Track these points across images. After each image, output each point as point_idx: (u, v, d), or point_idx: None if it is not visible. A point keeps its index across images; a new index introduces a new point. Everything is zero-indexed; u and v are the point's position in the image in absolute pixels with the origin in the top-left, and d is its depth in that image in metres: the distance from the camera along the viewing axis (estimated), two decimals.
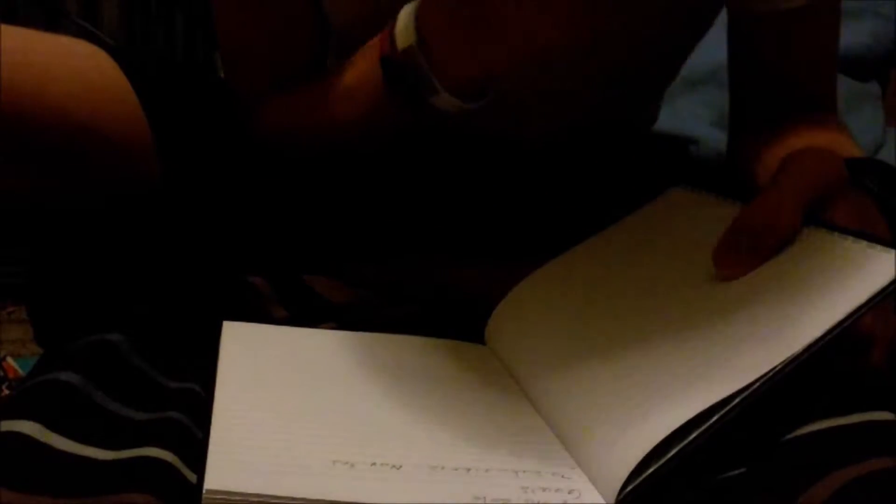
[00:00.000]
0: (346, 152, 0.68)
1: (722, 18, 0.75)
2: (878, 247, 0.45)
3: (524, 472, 0.43)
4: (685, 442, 0.41)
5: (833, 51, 0.72)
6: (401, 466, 0.42)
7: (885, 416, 0.45)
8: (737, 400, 0.41)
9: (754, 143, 0.72)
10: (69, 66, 0.61)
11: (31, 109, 0.58)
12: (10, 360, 1.27)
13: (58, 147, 0.60)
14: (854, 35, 1.17)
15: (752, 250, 0.49)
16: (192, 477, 0.43)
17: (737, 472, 0.44)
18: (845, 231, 0.47)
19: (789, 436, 0.44)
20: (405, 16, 0.56)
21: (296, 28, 0.69)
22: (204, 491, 0.39)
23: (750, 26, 0.71)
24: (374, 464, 0.42)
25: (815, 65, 0.72)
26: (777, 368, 0.42)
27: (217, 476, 0.39)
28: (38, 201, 0.62)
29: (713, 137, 1.04)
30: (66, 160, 0.60)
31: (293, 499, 0.39)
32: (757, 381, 0.41)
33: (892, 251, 0.44)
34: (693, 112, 1.09)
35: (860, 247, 0.45)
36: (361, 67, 0.62)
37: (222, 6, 0.70)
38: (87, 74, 0.62)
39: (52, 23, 1.65)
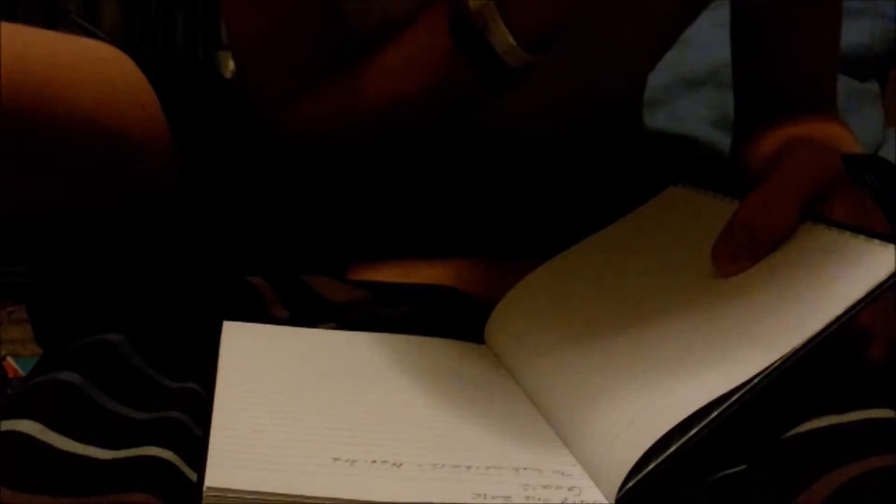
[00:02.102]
0: (396, 134, 0.68)
1: (723, 18, 0.75)
2: (877, 241, 0.44)
3: (525, 469, 0.43)
4: (684, 439, 0.41)
5: (834, 45, 0.73)
6: (401, 464, 0.42)
7: (884, 413, 0.45)
8: (736, 396, 0.41)
9: (754, 134, 0.72)
10: (96, 70, 0.61)
11: (60, 115, 0.57)
12: (10, 360, 1.27)
13: (84, 153, 0.59)
14: (854, 35, 1.16)
15: (750, 247, 0.49)
16: (193, 476, 0.43)
17: (736, 469, 0.44)
18: (844, 226, 0.47)
19: (789, 433, 0.44)
20: None
21: (318, 24, 0.69)
22: (204, 489, 0.39)
23: (751, 18, 0.71)
24: (374, 461, 0.42)
25: (815, 58, 0.72)
26: (776, 364, 0.42)
27: (217, 474, 0.39)
28: (58, 209, 0.61)
29: (713, 137, 1.04)
30: (92, 167, 0.60)
31: (293, 496, 0.39)
32: (756, 377, 0.41)
33: (891, 245, 0.44)
34: (693, 112, 1.09)
35: (858, 241, 0.45)
36: (418, 40, 0.62)
37: (237, 8, 0.69)
38: (113, 79, 0.62)
39: (51, 22, 1.65)
